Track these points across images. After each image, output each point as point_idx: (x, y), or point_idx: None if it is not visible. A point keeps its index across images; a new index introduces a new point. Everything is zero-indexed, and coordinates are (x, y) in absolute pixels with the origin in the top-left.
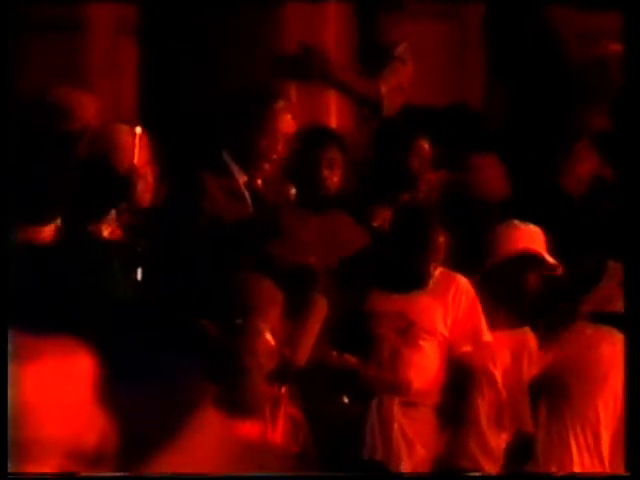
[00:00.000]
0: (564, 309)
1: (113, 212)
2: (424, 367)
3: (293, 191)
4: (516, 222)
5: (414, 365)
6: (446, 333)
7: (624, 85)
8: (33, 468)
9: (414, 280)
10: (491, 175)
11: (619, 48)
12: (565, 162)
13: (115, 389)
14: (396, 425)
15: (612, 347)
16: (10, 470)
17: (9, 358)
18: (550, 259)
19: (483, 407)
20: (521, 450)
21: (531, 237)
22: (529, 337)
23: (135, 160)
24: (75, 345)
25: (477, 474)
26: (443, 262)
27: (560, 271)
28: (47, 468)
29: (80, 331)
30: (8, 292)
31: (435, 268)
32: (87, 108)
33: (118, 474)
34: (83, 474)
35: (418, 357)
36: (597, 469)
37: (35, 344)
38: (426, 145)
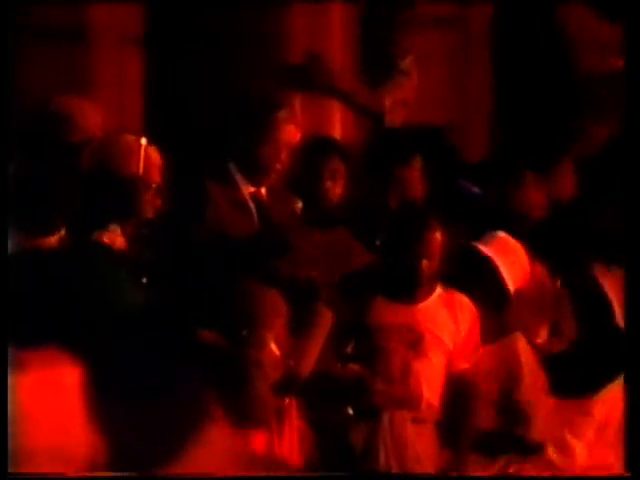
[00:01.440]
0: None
1: (118, 223)
2: (433, 380)
3: (300, 205)
4: (500, 233)
5: (424, 379)
6: (450, 346)
7: (625, 98)
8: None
9: (409, 279)
10: (536, 193)
11: None
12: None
13: (117, 402)
14: (410, 444)
15: None
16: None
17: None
18: (508, 283)
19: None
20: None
21: (498, 249)
22: (519, 347)
23: (140, 171)
24: (61, 357)
25: (477, 474)
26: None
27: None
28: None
29: (84, 342)
30: (11, 303)
31: (432, 268)
32: (91, 118)
33: (118, 474)
34: (83, 474)
35: (427, 370)
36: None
37: (21, 357)
38: (420, 160)
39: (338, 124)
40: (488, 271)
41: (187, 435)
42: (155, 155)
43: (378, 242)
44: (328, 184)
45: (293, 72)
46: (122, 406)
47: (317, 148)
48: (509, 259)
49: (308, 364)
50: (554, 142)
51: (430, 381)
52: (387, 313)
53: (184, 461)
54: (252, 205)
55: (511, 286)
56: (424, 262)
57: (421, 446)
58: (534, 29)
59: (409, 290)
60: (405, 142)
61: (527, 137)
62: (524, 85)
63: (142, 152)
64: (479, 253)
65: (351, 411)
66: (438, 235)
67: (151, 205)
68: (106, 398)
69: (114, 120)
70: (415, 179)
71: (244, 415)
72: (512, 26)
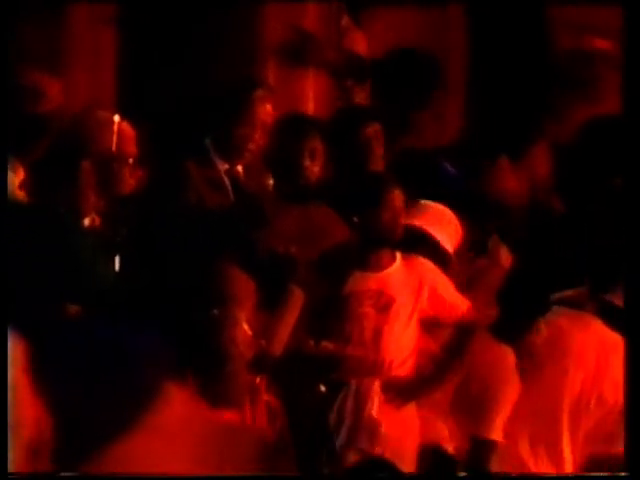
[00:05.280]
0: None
1: (92, 200)
2: (404, 344)
3: (271, 181)
4: (426, 202)
5: (395, 343)
6: (421, 309)
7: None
8: None
9: (380, 240)
10: (511, 180)
11: (606, 45)
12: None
13: (65, 375)
14: (371, 406)
15: (582, 337)
16: None
17: None
18: (445, 246)
19: None
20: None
21: (431, 219)
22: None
23: (114, 147)
24: (7, 335)
25: (477, 474)
26: None
27: (450, 264)
28: None
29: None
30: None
31: (399, 225)
32: (55, 90)
33: (118, 474)
34: (83, 474)
35: (399, 334)
36: (553, 464)
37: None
38: (377, 127)
39: (311, 101)
40: (426, 241)
41: (142, 406)
42: (129, 130)
43: (356, 219)
44: (307, 163)
45: (285, 48)
46: (68, 380)
47: (296, 127)
48: (443, 226)
49: (279, 343)
50: (528, 123)
51: (401, 346)
52: (359, 282)
53: (144, 425)
54: (228, 182)
55: (449, 247)
56: (389, 217)
57: (388, 413)
58: (510, 9)
59: (380, 249)
60: (357, 115)
61: (501, 119)
62: (499, 65)
63: (116, 129)
64: (414, 228)
65: (323, 388)
66: (398, 192)
67: (129, 179)
68: (43, 373)
69: (90, 97)
70: (375, 150)
71: (219, 394)
72: (489, 6)
